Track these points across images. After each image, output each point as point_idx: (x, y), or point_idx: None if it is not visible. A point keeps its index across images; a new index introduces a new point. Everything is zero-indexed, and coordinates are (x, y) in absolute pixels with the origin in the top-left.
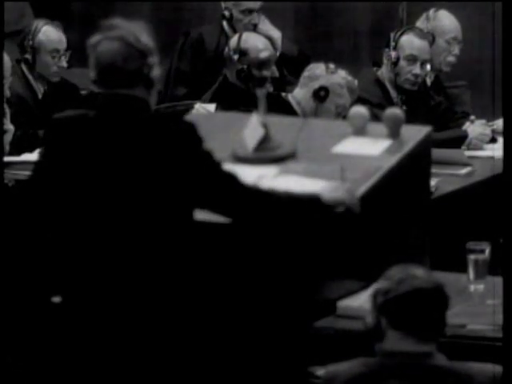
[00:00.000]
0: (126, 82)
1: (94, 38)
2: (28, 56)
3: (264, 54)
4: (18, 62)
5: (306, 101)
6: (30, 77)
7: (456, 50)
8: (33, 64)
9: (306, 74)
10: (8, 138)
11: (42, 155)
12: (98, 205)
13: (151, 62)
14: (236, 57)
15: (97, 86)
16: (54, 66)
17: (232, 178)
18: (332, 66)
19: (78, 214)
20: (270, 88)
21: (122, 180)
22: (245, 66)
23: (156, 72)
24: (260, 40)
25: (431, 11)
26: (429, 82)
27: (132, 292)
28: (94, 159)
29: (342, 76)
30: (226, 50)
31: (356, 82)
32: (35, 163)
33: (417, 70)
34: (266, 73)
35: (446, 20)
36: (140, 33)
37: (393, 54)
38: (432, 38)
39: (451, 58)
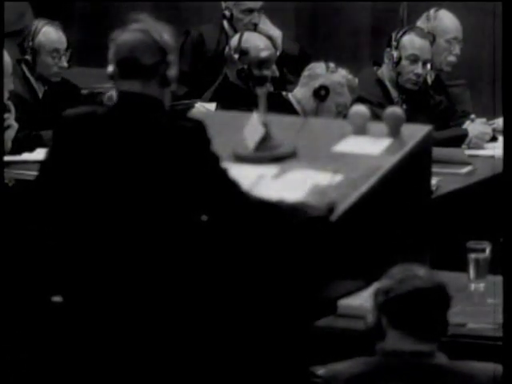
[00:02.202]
0: (142, 76)
1: (117, 31)
2: (28, 57)
3: (264, 54)
4: (19, 62)
5: (307, 100)
6: (30, 77)
7: (457, 49)
8: (33, 65)
9: (306, 73)
10: (11, 134)
11: (50, 152)
12: (104, 202)
13: (169, 60)
14: (237, 56)
15: (113, 80)
16: (55, 66)
17: (234, 185)
18: (332, 65)
19: (84, 211)
20: (270, 87)
21: (129, 177)
22: (245, 66)
23: (173, 72)
24: (261, 39)
25: (431, 11)
26: (429, 81)
27: (135, 292)
28: (101, 156)
29: (342, 75)
30: (227, 49)
31: (356, 80)
32: (43, 160)
33: (419, 69)
34: (266, 72)
35: (446, 20)
36: (163, 30)
37: (394, 53)
38: (432, 38)
39: (452, 58)
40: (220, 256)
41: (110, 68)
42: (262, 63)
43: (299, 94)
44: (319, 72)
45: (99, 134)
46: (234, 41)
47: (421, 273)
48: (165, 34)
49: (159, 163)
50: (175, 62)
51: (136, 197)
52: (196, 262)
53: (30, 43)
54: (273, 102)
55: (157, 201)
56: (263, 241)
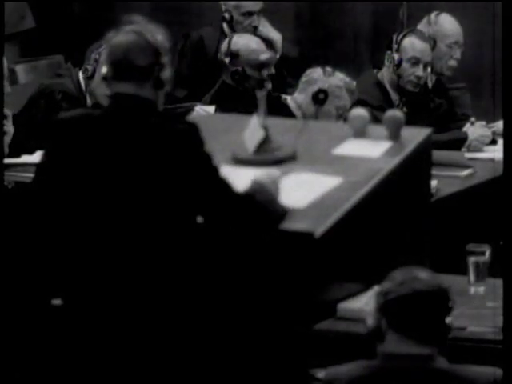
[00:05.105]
0: (136, 78)
1: (111, 33)
2: (88, 67)
3: (264, 56)
4: (74, 65)
5: (307, 105)
6: (83, 85)
7: (457, 54)
8: (91, 76)
9: (303, 79)
10: (7, 139)
11: (46, 154)
12: (100, 204)
13: (163, 62)
14: (228, 60)
15: (106, 82)
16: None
17: (226, 186)
18: (329, 68)
19: (80, 212)
20: (268, 85)
21: (124, 180)
22: (239, 68)
23: (167, 73)
24: (251, 40)
25: (432, 15)
26: (430, 84)
27: (133, 294)
28: (96, 158)
29: (339, 78)
30: (219, 55)
31: (354, 83)
32: (39, 163)
33: (419, 72)
34: (265, 75)
35: (447, 24)
36: (157, 32)
37: (395, 56)
38: (433, 43)
39: (453, 62)
40: (218, 257)
41: (104, 69)
42: (262, 66)
43: (299, 99)
44: (316, 77)
45: (94, 135)
46: (224, 46)
47: (422, 276)
48: (159, 36)
49: (153, 165)
50: (169, 64)
51: (130, 198)
52: (193, 264)
53: (97, 56)
54: (271, 105)
55: (151, 202)
56: (260, 242)
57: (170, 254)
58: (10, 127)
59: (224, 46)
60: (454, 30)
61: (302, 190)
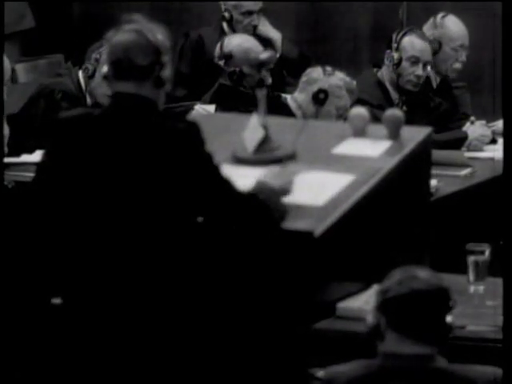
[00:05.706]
0: (136, 77)
1: (111, 32)
2: (89, 66)
3: (265, 55)
4: (74, 64)
5: (307, 105)
6: (83, 84)
7: (463, 56)
8: (91, 76)
9: (303, 78)
10: (4, 141)
11: (45, 154)
12: (100, 204)
13: (163, 61)
14: (222, 62)
15: (108, 81)
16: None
17: (227, 184)
18: (329, 68)
19: (81, 212)
20: (268, 80)
21: (124, 179)
22: (236, 69)
23: (167, 72)
24: (243, 39)
25: (438, 17)
26: (434, 84)
27: (133, 294)
28: (96, 157)
29: (339, 78)
30: (214, 58)
31: (354, 82)
32: (39, 162)
33: (419, 71)
34: (265, 74)
35: (453, 27)
36: (157, 31)
37: (395, 55)
38: (439, 46)
39: (458, 65)
40: (217, 256)
41: (105, 69)
42: (262, 65)
43: (299, 98)
44: (316, 76)
45: (94, 135)
46: (217, 49)
47: (421, 275)
48: (159, 35)
49: (153, 164)
50: (169, 63)
51: (131, 197)
52: (193, 264)
53: (98, 56)
54: (270, 105)
55: (151, 201)
56: (260, 241)
57: (170, 253)
58: (6, 130)
59: (217, 49)
60: (459, 32)
61: (315, 189)
